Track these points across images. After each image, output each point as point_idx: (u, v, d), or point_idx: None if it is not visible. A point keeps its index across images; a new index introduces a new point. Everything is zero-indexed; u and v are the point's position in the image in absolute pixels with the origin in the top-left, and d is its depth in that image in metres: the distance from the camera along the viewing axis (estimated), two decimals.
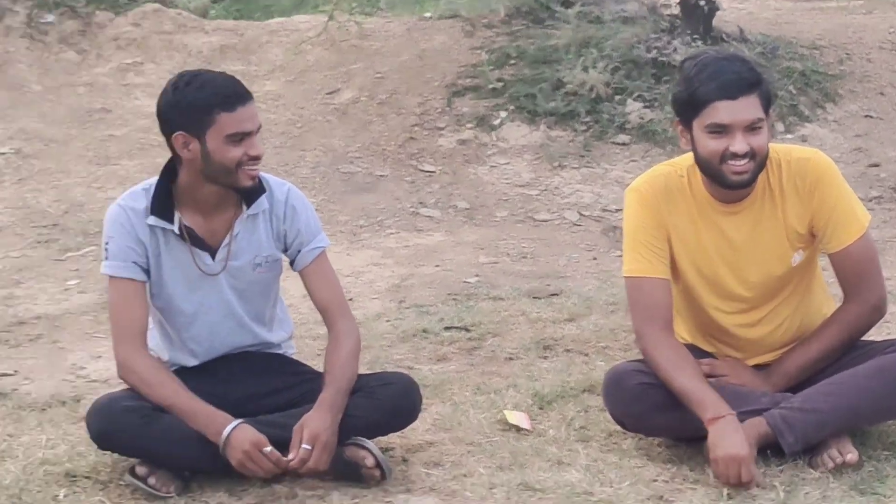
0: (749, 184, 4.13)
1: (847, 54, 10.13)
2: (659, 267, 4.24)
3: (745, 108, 4.03)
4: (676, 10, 10.00)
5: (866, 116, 9.21)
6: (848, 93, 9.50)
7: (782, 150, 4.29)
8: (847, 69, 9.85)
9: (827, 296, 4.53)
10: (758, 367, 4.38)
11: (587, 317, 5.80)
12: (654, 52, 9.28)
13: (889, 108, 9.37)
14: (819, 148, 8.46)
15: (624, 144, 8.70)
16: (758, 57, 9.38)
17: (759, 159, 4.09)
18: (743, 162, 4.04)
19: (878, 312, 4.34)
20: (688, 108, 4.10)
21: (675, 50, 9.26)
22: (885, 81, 9.74)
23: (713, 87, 4.01)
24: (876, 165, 8.36)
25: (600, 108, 9.02)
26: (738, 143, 4.02)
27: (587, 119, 8.97)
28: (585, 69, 9.14)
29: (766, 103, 4.10)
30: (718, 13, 10.00)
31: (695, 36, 9.49)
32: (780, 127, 8.84)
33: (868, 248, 4.32)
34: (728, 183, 4.11)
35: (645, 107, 8.94)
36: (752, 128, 4.05)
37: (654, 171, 4.34)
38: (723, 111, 4.02)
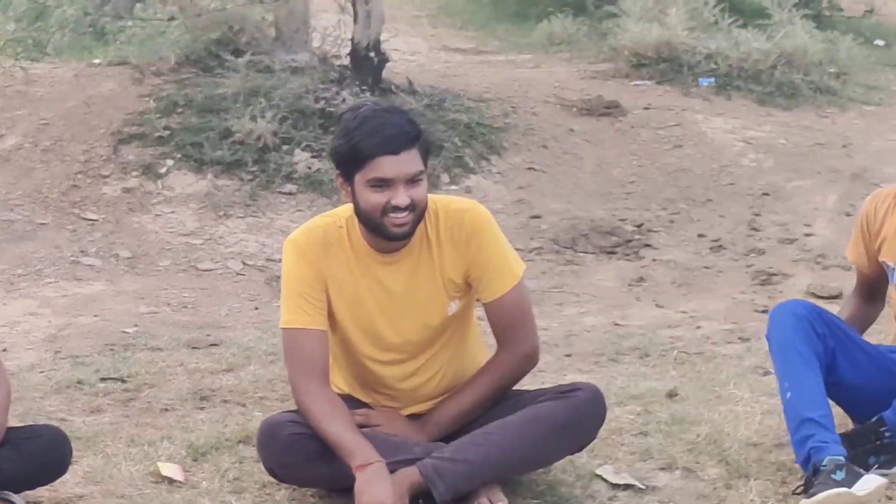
0: (409, 235, 4.14)
1: (513, 107, 10.37)
2: (316, 318, 4.20)
3: (407, 161, 4.03)
4: (347, 62, 10.04)
5: (529, 169, 9.43)
6: (512, 145, 9.70)
7: (440, 200, 4.30)
8: (512, 122, 10.07)
9: (482, 345, 4.57)
10: (414, 416, 4.38)
11: (246, 367, 5.73)
12: (323, 102, 9.30)
13: (551, 160, 9.62)
14: (483, 199, 8.73)
15: (290, 194, 8.68)
16: (425, 109, 9.52)
17: (418, 211, 4.10)
18: (404, 214, 4.04)
19: (530, 361, 4.40)
20: (349, 162, 4.07)
21: (343, 100, 9.30)
22: (549, 135, 10.00)
23: (376, 142, 4.00)
24: (537, 217, 8.56)
25: (267, 158, 8.98)
26: (400, 197, 4.01)
27: (254, 168, 8.92)
28: (254, 118, 9.09)
29: (426, 155, 4.11)
30: (389, 65, 10.10)
31: (363, 87, 9.56)
32: (445, 178, 8.96)
33: (521, 298, 4.37)
34: (389, 235, 4.10)
35: (312, 156, 8.94)
36: (412, 180, 4.05)
37: (313, 222, 4.31)
38: (386, 166, 4.01)
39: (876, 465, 4.18)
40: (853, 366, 4.35)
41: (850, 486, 4.03)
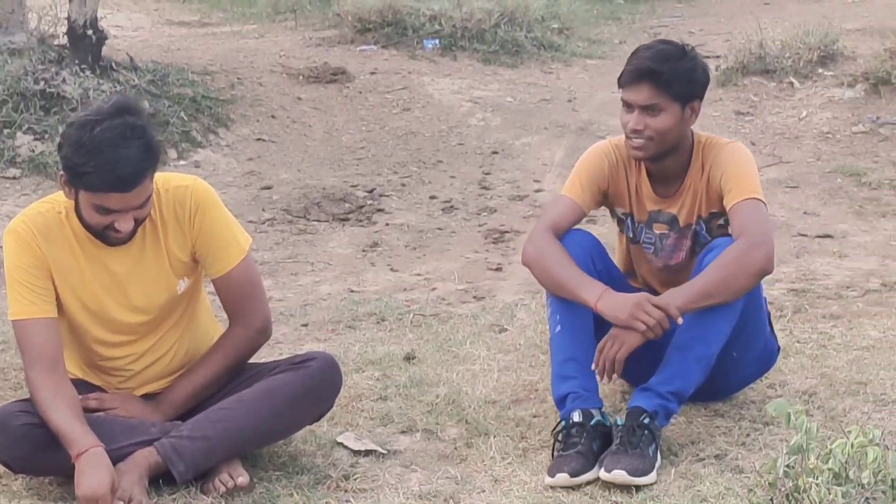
0: (130, 240, 4.11)
1: (239, 79, 10.27)
2: (43, 307, 4.12)
3: (138, 195, 3.97)
4: (66, 41, 9.79)
5: (258, 140, 9.36)
6: (240, 117, 9.62)
7: (161, 179, 4.23)
8: (238, 94, 9.98)
9: (213, 321, 4.56)
10: (149, 396, 4.34)
11: None
12: (43, 83, 9.03)
13: (280, 130, 9.57)
14: (212, 173, 8.65)
15: (14, 178, 8.41)
16: (148, 85, 9.36)
17: (141, 221, 4.09)
18: (127, 232, 4.04)
19: (263, 335, 4.40)
20: (76, 180, 3.98)
21: (63, 80, 9.06)
22: (276, 105, 9.95)
23: (107, 180, 3.91)
24: (269, 188, 8.50)
25: None
26: (125, 223, 4.00)
27: None
28: None
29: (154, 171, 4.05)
30: (110, 42, 9.89)
31: (83, 66, 9.32)
32: (172, 154, 8.82)
33: (250, 271, 4.37)
34: (109, 242, 4.11)
35: (35, 139, 8.69)
36: (141, 206, 4.02)
37: (32, 209, 4.20)
38: (114, 200, 3.96)
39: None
40: None
41: (583, 472, 4.16)
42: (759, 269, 4.35)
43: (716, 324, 4.33)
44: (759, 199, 4.47)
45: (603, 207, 4.81)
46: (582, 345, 4.43)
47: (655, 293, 4.60)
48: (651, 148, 4.50)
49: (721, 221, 4.57)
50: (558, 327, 4.46)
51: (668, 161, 4.57)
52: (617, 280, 4.65)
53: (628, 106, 4.52)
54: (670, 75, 4.50)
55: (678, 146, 4.57)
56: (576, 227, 4.61)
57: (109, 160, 3.90)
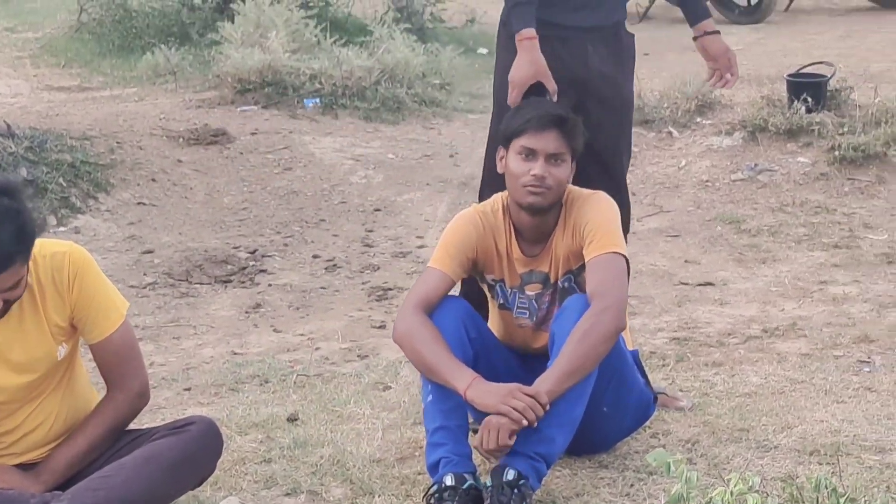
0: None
1: (118, 143, 10.17)
2: None
3: (4, 280, 3.91)
4: None
5: (139, 204, 9.27)
6: (120, 181, 9.52)
7: (38, 245, 4.18)
8: (118, 157, 9.87)
9: (90, 387, 4.51)
10: (27, 466, 4.26)
11: None
12: None
13: (161, 193, 9.49)
14: (92, 238, 8.55)
15: None
16: (26, 152, 9.22)
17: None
18: None
19: (142, 399, 4.38)
20: None
21: None
22: (157, 168, 9.86)
23: None
24: (150, 252, 8.41)
25: None
26: None
27: None
28: None
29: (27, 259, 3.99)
30: None
31: None
32: (52, 220, 8.70)
33: (128, 336, 4.35)
34: None
35: None
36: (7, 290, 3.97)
37: None
38: None
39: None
40: (492, 371, 4.44)
41: None
42: (611, 333, 4.38)
43: (574, 387, 4.34)
44: (617, 253, 4.49)
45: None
46: (452, 413, 4.43)
47: (533, 353, 4.63)
48: (550, 198, 4.52)
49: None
50: (430, 397, 4.47)
51: (549, 216, 4.59)
52: (491, 347, 4.67)
53: (529, 153, 4.51)
54: (574, 126, 4.54)
55: (559, 201, 4.60)
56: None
57: None
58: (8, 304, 4.02)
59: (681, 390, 5.53)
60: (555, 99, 4.83)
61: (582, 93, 4.94)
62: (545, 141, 4.50)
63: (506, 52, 5.05)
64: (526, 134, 4.52)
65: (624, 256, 4.52)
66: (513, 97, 4.88)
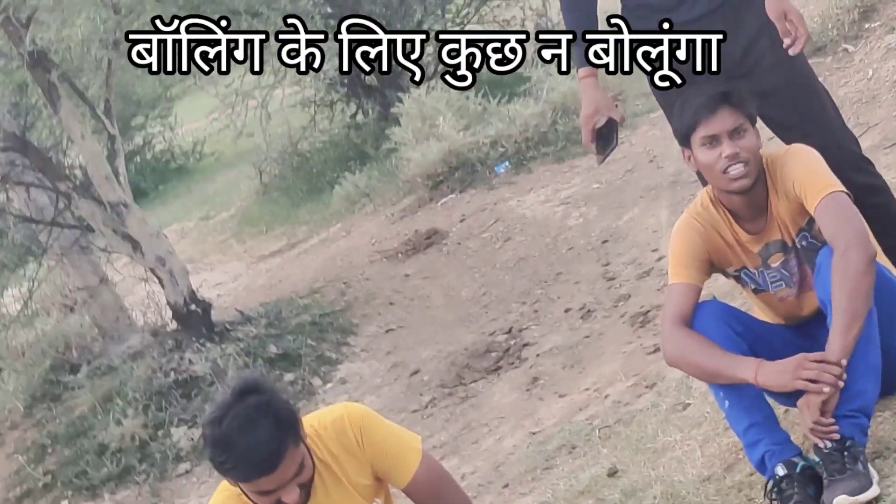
0: None
1: (346, 283, 10.39)
2: None
3: (285, 469, 3.96)
4: (176, 325, 9.99)
5: (388, 331, 9.43)
6: (362, 318, 9.71)
7: (315, 420, 4.28)
8: (351, 297, 10.09)
9: None
10: None
11: None
12: (173, 374, 9.25)
13: (403, 313, 9.64)
14: (360, 383, 8.72)
15: (188, 472, 8.58)
16: (267, 329, 9.50)
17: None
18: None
19: None
20: (227, 476, 4.02)
21: (190, 362, 9.26)
22: (389, 290, 10.04)
23: (249, 471, 3.93)
24: (417, 372, 8.55)
25: (150, 451, 8.88)
26: (289, 496, 4.00)
27: (143, 466, 8.83)
28: (118, 422, 9.00)
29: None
30: (217, 303, 10.10)
31: (200, 340, 9.51)
32: (317, 382, 8.92)
33: (432, 467, 4.37)
34: None
35: (189, 428, 8.86)
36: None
37: (220, 494, 4.20)
38: (263, 483, 3.96)
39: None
40: (774, 354, 4.38)
41: None
42: (865, 266, 4.27)
43: (860, 334, 4.25)
44: (834, 191, 4.40)
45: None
46: (754, 408, 4.37)
47: (805, 321, 4.55)
48: (752, 172, 4.45)
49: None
50: (726, 402, 4.41)
51: (758, 187, 4.53)
52: (762, 333, 4.59)
53: (712, 140, 4.46)
54: (740, 95, 4.50)
55: (761, 168, 4.54)
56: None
57: (244, 450, 3.92)
58: (306, 488, 4.11)
59: None
60: (623, 124, 4.89)
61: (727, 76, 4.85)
62: (721, 121, 4.45)
63: None
64: (700, 125, 4.47)
65: (842, 191, 4.43)
66: (584, 139, 4.94)
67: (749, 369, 4.27)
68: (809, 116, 4.89)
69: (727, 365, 4.32)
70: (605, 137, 4.95)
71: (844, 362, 4.17)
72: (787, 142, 4.77)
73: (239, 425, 3.95)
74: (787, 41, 4.74)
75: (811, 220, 4.49)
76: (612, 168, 10.85)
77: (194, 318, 9.68)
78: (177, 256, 10.02)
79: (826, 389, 4.14)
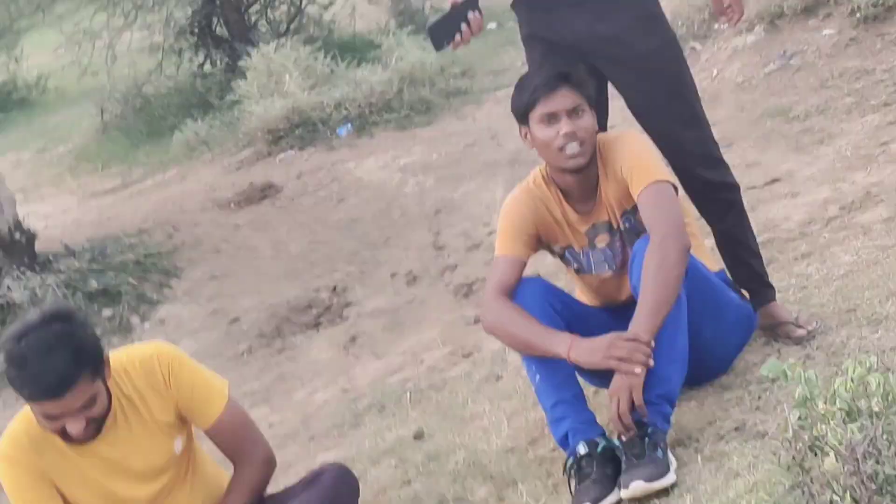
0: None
1: (174, 227, 10.30)
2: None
3: (73, 398, 3.97)
4: None
5: (212, 278, 9.37)
6: (187, 263, 9.64)
7: (124, 355, 4.30)
8: (179, 241, 10.00)
9: (218, 469, 4.58)
10: None
11: None
12: None
13: (229, 262, 9.59)
14: (178, 325, 8.66)
15: None
16: (90, 264, 9.38)
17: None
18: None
19: (269, 465, 4.42)
20: (18, 393, 4.01)
21: (8, 288, 9.11)
22: (218, 238, 9.98)
23: (36, 391, 3.95)
24: (236, 320, 8.52)
25: None
26: (72, 425, 4.02)
27: None
28: None
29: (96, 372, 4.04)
30: (43, 234, 9.93)
31: (22, 268, 9.35)
32: (135, 320, 8.84)
33: (236, 412, 4.41)
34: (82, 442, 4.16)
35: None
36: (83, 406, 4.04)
37: (13, 428, 4.22)
38: (49, 407, 3.98)
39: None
40: (590, 334, 4.43)
41: (603, 498, 4.18)
42: (679, 256, 4.38)
43: (668, 320, 4.34)
44: (659, 181, 4.49)
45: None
46: (564, 385, 4.44)
47: (622, 305, 4.65)
48: (587, 151, 4.52)
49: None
50: (537, 376, 4.48)
51: (591, 168, 4.60)
52: (580, 314, 4.68)
53: (551, 117, 4.51)
54: (579, 76, 4.56)
55: (595, 150, 4.61)
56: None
57: (36, 372, 3.93)
58: (96, 423, 4.10)
59: (779, 291, 5.45)
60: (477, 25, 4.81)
61: (585, 55, 4.88)
62: (560, 100, 4.51)
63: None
64: (539, 102, 4.53)
65: (667, 181, 4.52)
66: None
67: (563, 344, 4.34)
68: (677, 108, 4.94)
69: (542, 338, 4.38)
70: (450, 23, 4.86)
71: (653, 344, 4.26)
72: (648, 129, 4.84)
73: (37, 347, 3.95)
74: (723, 19, 4.84)
75: (635, 206, 4.58)
76: (454, 140, 10.92)
77: (17, 247, 9.51)
78: (4, 184, 9.84)
79: (637, 370, 4.22)
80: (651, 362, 4.23)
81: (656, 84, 4.88)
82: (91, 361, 4.03)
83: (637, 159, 4.55)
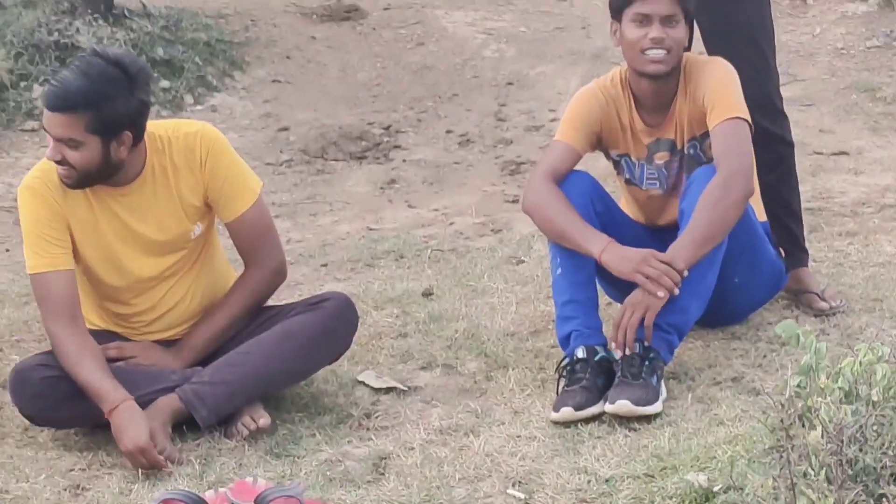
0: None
1: (252, 21, 10.27)
2: (60, 259, 4.19)
3: (57, 124, 4.05)
4: None
5: (274, 81, 9.37)
6: (255, 59, 9.63)
7: (171, 126, 4.33)
8: (253, 36, 9.98)
9: (228, 265, 4.62)
10: (169, 343, 4.40)
11: (0, 311, 5.61)
12: (56, 34, 9.08)
13: (296, 71, 9.57)
14: (229, 116, 8.68)
15: (33, 131, 8.46)
16: (161, 31, 9.38)
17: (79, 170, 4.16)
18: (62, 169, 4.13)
19: (278, 276, 4.46)
20: None
21: (77, 31, 9.10)
22: (291, 45, 9.95)
23: (44, 95, 4.09)
24: (286, 129, 8.52)
25: (5, 97, 8.72)
26: (52, 151, 4.12)
27: None
28: None
29: (95, 123, 4.06)
30: None
31: (96, 15, 9.35)
32: (189, 99, 8.86)
33: (262, 214, 4.43)
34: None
35: None
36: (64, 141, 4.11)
37: (43, 164, 4.25)
38: (45, 118, 4.09)
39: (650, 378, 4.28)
40: (622, 244, 4.41)
41: (587, 406, 4.17)
42: (741, 198, 4.35)
43: (706, 256, 4.33)
44: (740, 118, 4.45)
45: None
46: (582, 286, 4.44)
47: (662, 227, 4.63)
48: (670, 61, 4.47)
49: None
50: (559, 270, 4.47)
51: (670, 81, 4.56)
52: (618, 221, 4.66)
53: (644, 19, 4.46)
54: None
55: (679, 65, 4.56)
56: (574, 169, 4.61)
57: (55, 80, 4.09)
58: (76, 173, 4.12)
59: (814, 261, 5.46)
60: None
61: None
62: (657, 4, 4.45)
63: None
64: (637, 1, 4.47)
65: (746, 121, 4.48)
66: None
67: (599, 243, 4.32)
68: (749, 52, 4.89)
69: (580, 231, 4.36)
70: None
71: (686, 273, 4.25)
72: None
73: (76, 67, 4.07)
74: None
75: (706, 134, 4.54)
76: (546, 19, 10.82)
77: None
78: None
79: (661, 294, 4.22)
80: (676, 291, 4.23)
81: (734, 23, 4.85)
82: (94, 105, 4.03)
83: (723, 89, 4.50)
